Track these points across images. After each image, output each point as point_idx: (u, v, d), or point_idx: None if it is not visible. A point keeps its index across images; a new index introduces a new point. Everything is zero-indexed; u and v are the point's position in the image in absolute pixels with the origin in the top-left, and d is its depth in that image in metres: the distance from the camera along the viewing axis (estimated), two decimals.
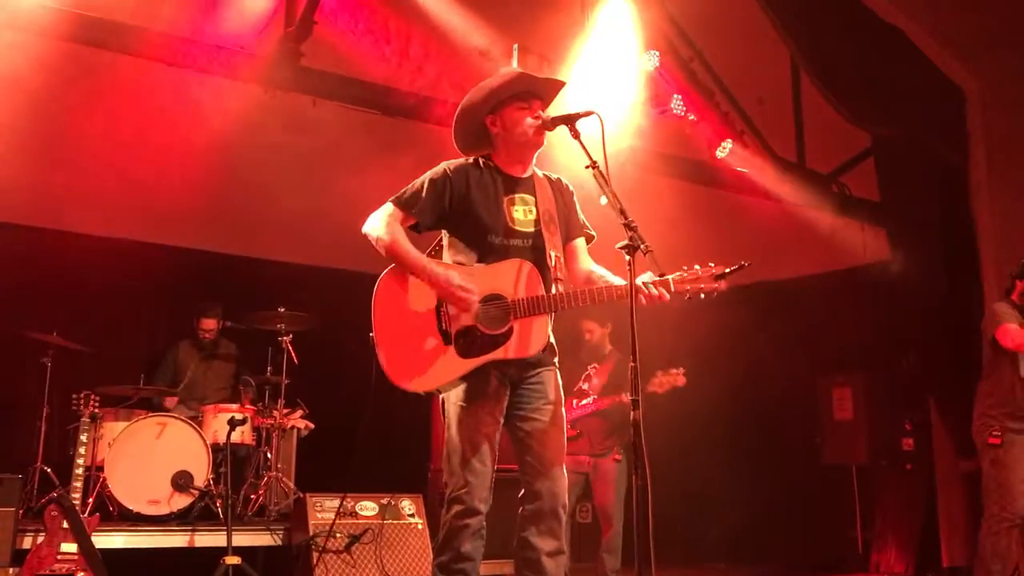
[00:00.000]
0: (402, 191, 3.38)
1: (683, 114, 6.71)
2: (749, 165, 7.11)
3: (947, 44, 7.45)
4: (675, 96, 6.67)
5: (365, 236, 3.38)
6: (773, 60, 7.29)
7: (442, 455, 3.31)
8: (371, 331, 3.31)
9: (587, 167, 3.17)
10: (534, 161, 3.50)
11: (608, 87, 6.18)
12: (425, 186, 3.35)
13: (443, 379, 3.24)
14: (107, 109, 6.19)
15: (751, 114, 7.26)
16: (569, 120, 3.27)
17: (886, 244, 7.74)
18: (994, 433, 5.20)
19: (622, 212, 3.04)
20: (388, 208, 3.36)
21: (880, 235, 7.78)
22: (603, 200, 3.14)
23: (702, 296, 3.18)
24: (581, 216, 3.59)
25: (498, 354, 3.22)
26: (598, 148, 3.16)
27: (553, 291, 3.29)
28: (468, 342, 3.23)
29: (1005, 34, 7.08)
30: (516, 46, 5.78)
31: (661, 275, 3.15)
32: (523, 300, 3.23)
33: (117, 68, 5.60)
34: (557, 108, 3.45)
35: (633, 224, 3.01)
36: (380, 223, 3.33)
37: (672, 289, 3.17)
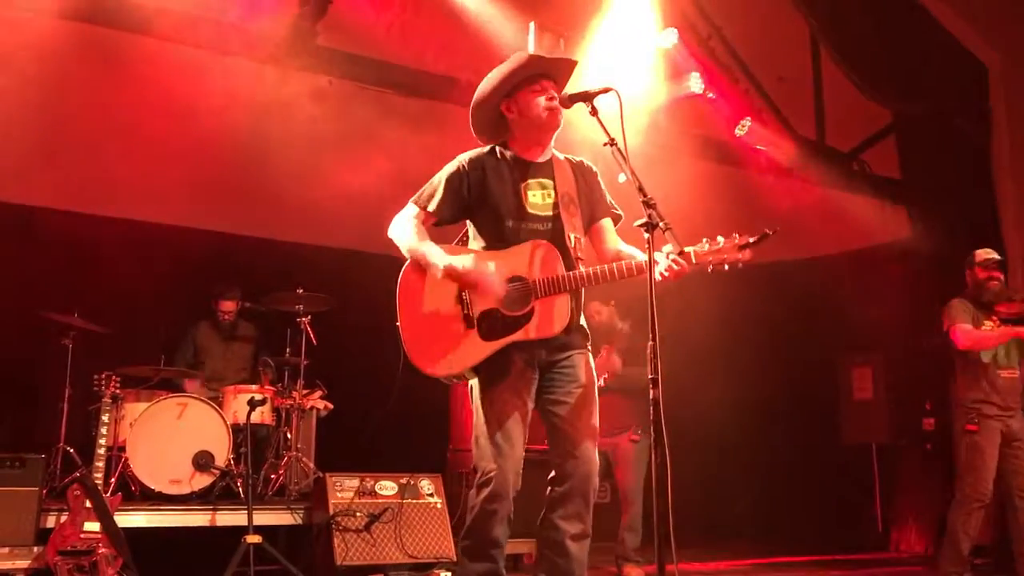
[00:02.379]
0: (421, 191, 3.40)
1: (702, 92, 6.66)
2: (768, 143, 7.05)
3: (970, 19, 7.34)
4: (693, 74, 6.61)
5: (388, 229, 3.40)
6: (793, 37, 7.22)
7: (471, 439, 3.30)
8: (396, 319, 3.32)
9: (605, 144, 3.14)
10: (552, 143, 3.47)
11: (626, 64, 6.13)
12: (443, 183, 3.37)
13: (467, 362, 3.24)
14: (121, 90, 6.19)
15: (771, 92, 7.20)
16: (587, 97, 3.24)
17: (907, 222, 7.67)
18: (972, 420, 5.51)
19: (641, 189, 3.01)
20: (410, 210, 3.39)
21: (901, 213, 7.72)
22: (622, 177, 3.11)
23: (725, 267, 3.10)
24: (608, 196, 3.54)
25: (520, 335, 3.21)
26: (616, 125, 3.13)
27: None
28: (490, 324, 3.23)
29: None
30: (532, 24, 5.74)
31: (682, 249, 3.08)
32: (543, 280, 3.22)
33: (131, 48, 5.59)
34: (575, 85, 3.42)
35: (652, 201, 2.99)
36: (403, 227, 3.36)
37: (693, 261, 3.10)
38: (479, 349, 3.22)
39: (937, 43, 7.35)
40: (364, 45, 5.83)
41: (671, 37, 6.48)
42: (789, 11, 6.77)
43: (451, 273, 3.20)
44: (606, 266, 3.25)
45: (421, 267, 3.31)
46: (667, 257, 3.06)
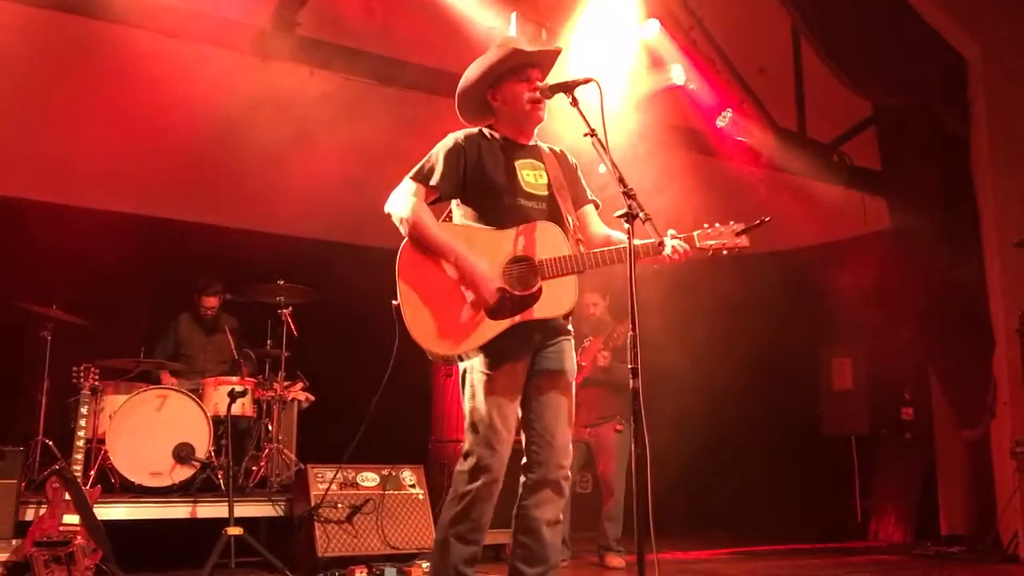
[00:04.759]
0: (419, 166, 3.35)
1: (683, 83, 6.66)
2: (749, 134, 7.07)
3: (950, 11, 7.37)
4: (675, 65, 6.62)
5: (386, 214, 3.34)
6: (774, 28, 7.22)
7: (464, 424, 3.27)
8: (395, 299, 3.25)
9: (585, 135, 3.15)
10: (536, 133, 3.49)
11: (607, 55, 6.13)
12: (441, 158, 3.33)
13: (475, 342, 3.19)
14: (102, 81, 6.15)
15: (752, 83, 7.20)
16: (567, 88, 3.24)
17: (887, 213, 7.71)
18: None
19: (621, 180, 3.02)
20: (408, 186, 3.32)
21: (881, 204, 7.75)
22: (602, 168, 3.13)
23: (724, 252, 3.17)
24: (586, 185, 3.57)
25: (528, 314, 3.19)
26: (597, 116, 3.13)
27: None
28: (498, 304, 3.19)
29: (1008, 1, 7.01)
30: (514, 14, 5.73)
31: (690, 235, 3.13)
32: (550, 260, 3.20)
33: (111, 39, 5.54)
34: (556, 76, 3.42)
35: (632, 192, 3.00)
36: (403, 202, 3.29)
37: (697, 244, 3.15)
38: (486, 328, 3.18)
39: (918, 35, 7.37)
40: (346, 35, 5.80)
41: (653, 28, 6.48)
42: (770, 2, 6.77)
43: (457, 265, 3.20)
44: (612, 248, 3.21)
45: (423, 245, 3.28)
46: (670, 238, 3.10)
